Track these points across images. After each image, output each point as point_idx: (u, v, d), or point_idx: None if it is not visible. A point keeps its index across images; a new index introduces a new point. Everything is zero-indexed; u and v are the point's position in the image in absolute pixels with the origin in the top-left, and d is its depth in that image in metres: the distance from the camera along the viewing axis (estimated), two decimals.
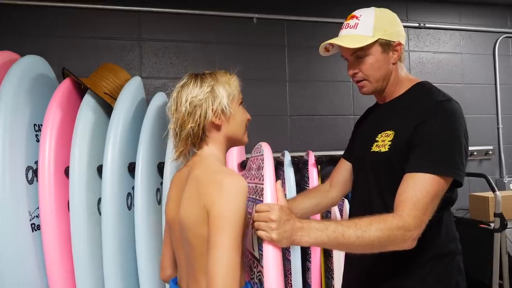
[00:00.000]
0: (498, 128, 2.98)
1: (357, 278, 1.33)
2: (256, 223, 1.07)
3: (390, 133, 1.22)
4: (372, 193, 1.27)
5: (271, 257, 1.05)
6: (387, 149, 1.20)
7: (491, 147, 2.93)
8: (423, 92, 1.25)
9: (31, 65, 1.84)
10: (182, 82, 1.17)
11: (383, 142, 1.22)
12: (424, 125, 1.13)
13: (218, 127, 1.16)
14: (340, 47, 1.28)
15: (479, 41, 3.01)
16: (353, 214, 1.36)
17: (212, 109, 1.13)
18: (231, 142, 1.21)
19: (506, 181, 2.87)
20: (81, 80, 1.85)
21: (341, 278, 1.46)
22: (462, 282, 1.23)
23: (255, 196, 1.30)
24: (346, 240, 1.05)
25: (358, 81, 1.30)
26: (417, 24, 2.84)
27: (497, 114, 2.99)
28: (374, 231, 1.05)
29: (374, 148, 1.25)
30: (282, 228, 1.03)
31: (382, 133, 1.25)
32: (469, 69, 2.97)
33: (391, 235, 1.05)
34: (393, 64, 1.26)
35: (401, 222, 1.05)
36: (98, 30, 2.33)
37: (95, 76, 1.94)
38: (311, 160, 2.13)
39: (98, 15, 2.33)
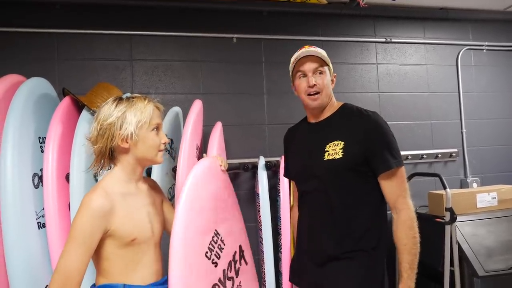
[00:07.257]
0: (462, 133, 3.16)
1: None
2: None
3: (339, 143, 1.45)
4: (329, 194, 1.48)
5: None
6: (341, 156, 1.43)
7: (455, 150, 3.12)
8: (352, 110, 1.55)
9: (36, 86, 2.00)
10: (104, 103, 1.29)
11: (334, 150, 1.45)
12: (372, 133, 1.44)
13: (126, 150, 1.27)
14: (306, 61, 1.52)
15: (443, 53, 3.21)
16: (306, 218, 1.61)
17: (119, 133, 1.23)
18: (143, 162, 1.33)
19: (469, 181, 3.08)
20: (78, 98, 2.03)
21: None
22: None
23: None
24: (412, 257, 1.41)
25: (313, 94, 1.52)
26: (384, 39, 3.02)
27: (460, 120, 3.18)
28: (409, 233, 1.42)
29: (327, 157, 1.46)
30: None
31: (330, 143, 1.47)
32: (434, 79, 3.15)
33: (414, 226, 1.42)
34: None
35: (411, 212, 1.43)
36: (94, 53, 2.52)
37: (91, 94, 2.11)
38: (283, 163, 2.36)
39: (94, 39, 2.52)
